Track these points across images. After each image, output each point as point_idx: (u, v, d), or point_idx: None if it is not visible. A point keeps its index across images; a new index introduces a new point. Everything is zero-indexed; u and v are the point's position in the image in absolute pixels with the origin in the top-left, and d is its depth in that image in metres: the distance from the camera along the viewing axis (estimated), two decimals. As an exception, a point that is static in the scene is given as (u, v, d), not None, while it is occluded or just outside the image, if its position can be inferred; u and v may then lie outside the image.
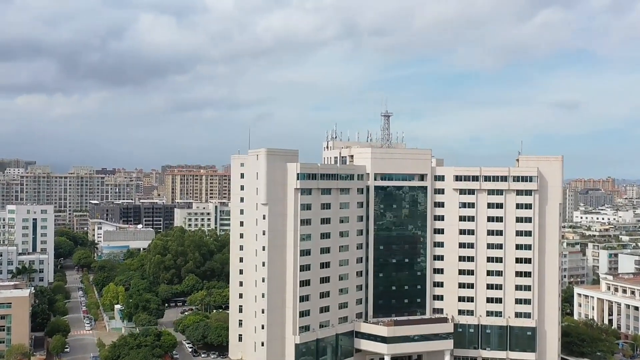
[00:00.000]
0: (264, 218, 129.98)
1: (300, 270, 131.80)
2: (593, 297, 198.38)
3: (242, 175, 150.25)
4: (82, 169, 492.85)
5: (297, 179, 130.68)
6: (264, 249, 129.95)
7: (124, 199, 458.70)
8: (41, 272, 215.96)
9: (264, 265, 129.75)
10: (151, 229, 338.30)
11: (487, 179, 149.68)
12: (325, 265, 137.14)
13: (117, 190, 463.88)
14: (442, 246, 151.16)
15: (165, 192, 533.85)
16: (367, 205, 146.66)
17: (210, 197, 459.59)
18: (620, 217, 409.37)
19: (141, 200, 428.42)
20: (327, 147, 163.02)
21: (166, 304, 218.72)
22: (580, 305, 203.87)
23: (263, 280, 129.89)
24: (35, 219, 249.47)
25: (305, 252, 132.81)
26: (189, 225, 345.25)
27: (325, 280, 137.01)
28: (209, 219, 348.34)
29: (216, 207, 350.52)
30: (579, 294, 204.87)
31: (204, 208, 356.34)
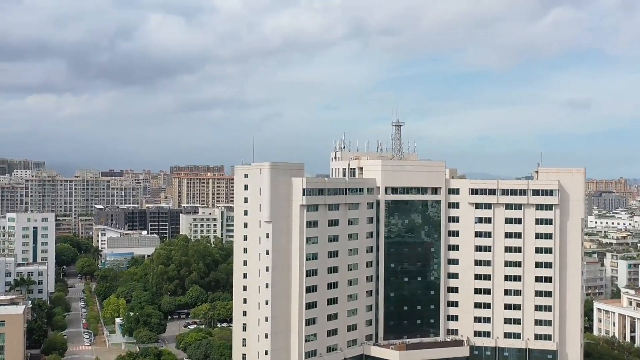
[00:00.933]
0: (267, 237, 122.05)
1: (307, 292, 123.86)
2: (614, 313, 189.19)
3: (245, 187, 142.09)
4: (87, 172, 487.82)
5: (303, 194, 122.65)
6: (267, 269, 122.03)
7: (130, 203, 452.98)
8: (40, 283, 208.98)
9: (267, 287, 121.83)
10: (156, 236, 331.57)
11: (504, 192, 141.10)
12: (332, 285, 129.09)
13: (123, 194, 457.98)
14: (457, 263, 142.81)
15: (172, 194, 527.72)
16: (377, 220, 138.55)
17: (217, 201, 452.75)
18: (636, 222, 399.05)
19: (147, 205, 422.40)
20: (335, 158, 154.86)
21: (169, 317, 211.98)
22: (600, 321, 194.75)
23: (266, 303, 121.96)
24: (35, 228, 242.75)
25: (311, 273, 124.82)
26: (195, 231, 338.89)
27: (332, 301, 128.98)
28: (214, 225, 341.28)
29: (222, 212, 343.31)
30: (599, 309, 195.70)
31: (210, 214, 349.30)
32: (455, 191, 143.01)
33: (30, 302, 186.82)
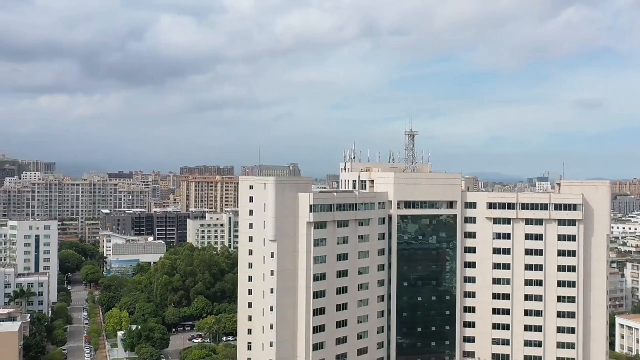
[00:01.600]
0: (272, 256, 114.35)
1: (314, 315, 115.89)
2: (637, 329, 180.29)
3: (250, 199, 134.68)
4: (94, 176, 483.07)
5: (310, 211, 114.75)
6: (272, 291, 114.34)
7: (137, 207, 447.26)
8: (41, 295, 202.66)
9: (272, 310, 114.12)
10: (162, 242, 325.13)
11: (524, 206, 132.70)
12: (342, 307, 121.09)
13: (130, 197, 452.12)
14: (474, 282, 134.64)
15: (180, 197, 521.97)
16: (389, 237, 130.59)
17: (226, 205, 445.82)
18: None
19: (154, 210, 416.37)
20: (345, 169, 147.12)
21: (173, 329, 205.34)
22: (622, 337, 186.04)
23: (271, 327, 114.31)
24: (37, 236, 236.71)
25: (319, 294, 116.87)
26: (202, 237, 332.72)
27: (342, 324, 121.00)
28: (222, 231, 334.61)
29: (230, 218, 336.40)
30: (621, 325, 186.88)
31: (217, 219, 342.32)
32: (472, 205, 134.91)
33: (29, 315, 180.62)
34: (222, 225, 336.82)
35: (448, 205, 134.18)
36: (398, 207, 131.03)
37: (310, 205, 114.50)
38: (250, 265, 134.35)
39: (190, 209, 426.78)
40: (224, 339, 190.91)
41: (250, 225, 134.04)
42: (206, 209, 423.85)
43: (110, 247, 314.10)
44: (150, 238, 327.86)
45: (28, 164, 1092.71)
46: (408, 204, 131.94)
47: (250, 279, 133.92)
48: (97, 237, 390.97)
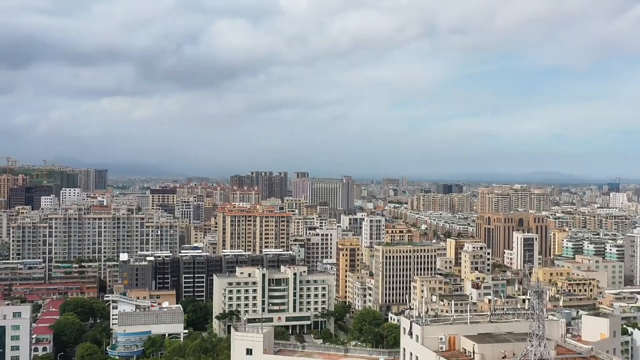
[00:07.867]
0: None
1: None
2: None
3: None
4: (123, 206, 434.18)
5: None
6: None
7: (167, 243, 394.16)
8: None
9: None
10: (179, 307, 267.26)
11: None
12: None
13: (159, 232, 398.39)
14: None
15: (217, 230, 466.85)
16: None
17: (265, 244, 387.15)
18: None
19: (180, 252, 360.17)
20: (411, 333, 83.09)
21: None
22: None
23: None
24: (3, 327, 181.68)
25: None
26: (230, 297, 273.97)
27: None
28: (254, 290, 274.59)
29: (264, 275, 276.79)
30: None
31: (249, 275, 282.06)
32: None
33: None
34: (254, 283, 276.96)
35: None
36: None
37: None
38: None
39: (223, 251, 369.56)
40: None
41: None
42: (242, 251, 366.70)
43: (116, 314, 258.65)
44: (166, 303, 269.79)
45: (78, 173, 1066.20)
46: None
47: None
48: (119, 281, 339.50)
